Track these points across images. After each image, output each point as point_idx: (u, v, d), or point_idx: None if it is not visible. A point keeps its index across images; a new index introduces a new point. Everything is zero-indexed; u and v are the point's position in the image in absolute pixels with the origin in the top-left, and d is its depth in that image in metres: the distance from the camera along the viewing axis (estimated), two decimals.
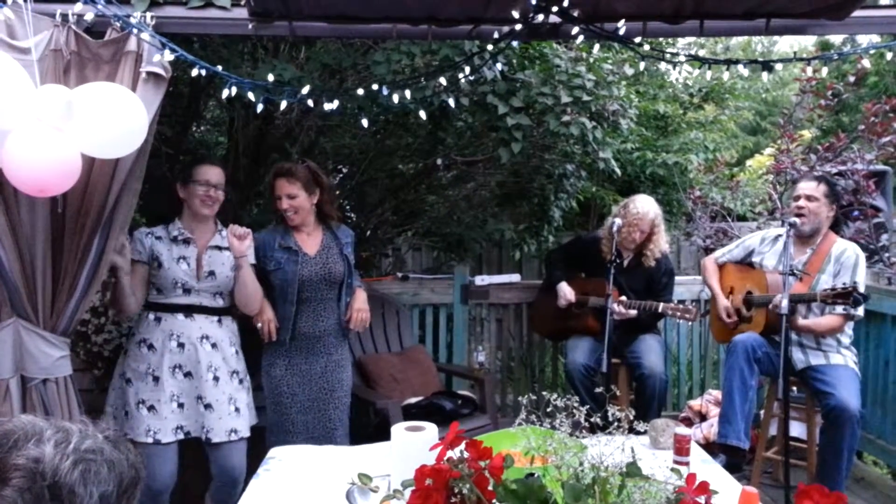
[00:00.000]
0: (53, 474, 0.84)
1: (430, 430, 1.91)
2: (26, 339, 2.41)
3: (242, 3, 2.58)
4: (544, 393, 1.55)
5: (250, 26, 2.63)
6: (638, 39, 2.77)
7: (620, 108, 4.28)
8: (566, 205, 5.33)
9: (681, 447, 1.99)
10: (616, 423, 1.49)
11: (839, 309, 3.09)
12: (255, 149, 4.55)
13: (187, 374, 2.71)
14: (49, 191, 2.21)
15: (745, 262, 3.51)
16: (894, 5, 3.78)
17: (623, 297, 3.53)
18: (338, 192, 4.72)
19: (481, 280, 4.54)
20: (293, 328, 2.92)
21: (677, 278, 3.99)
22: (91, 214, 2.42)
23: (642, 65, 3.59)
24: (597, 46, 3.45)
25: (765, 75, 2.93)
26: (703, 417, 4.13)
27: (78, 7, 2.37)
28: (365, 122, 3.04)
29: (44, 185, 2.16)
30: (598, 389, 3.40)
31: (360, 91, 2.78)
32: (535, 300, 4.32)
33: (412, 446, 1.83)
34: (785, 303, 2.90)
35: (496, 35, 2.79)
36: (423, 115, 3.09)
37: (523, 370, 4.71)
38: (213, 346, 2.76)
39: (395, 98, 2.76)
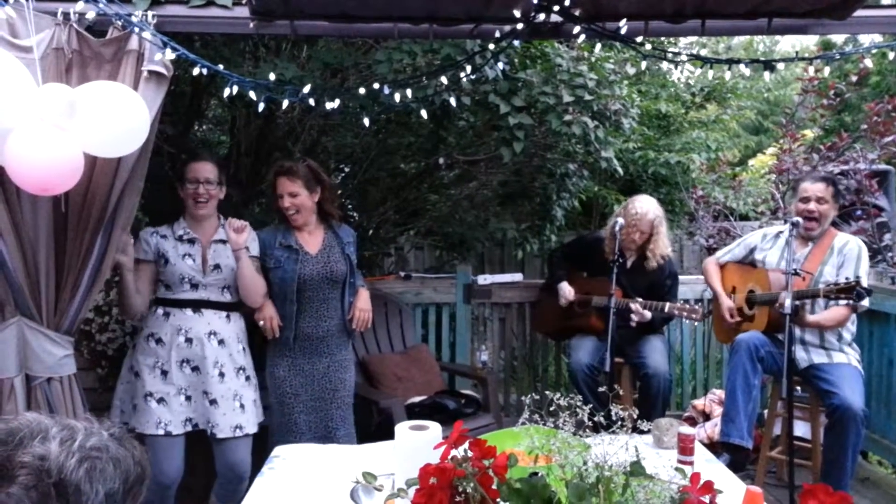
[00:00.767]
0: (59, 472, 0.84)
1: (434, 429, 1.91)
2: (30, 338, 2.41)
3: (244, 1, 2.58)
4: (547, 392, 1.54)
5: (252, 25, 2.63)
6: (640, 39, 2.76)
7: (622, 107, 4.27)
8: (568, 204, 5.33)
9: (684, 446, 1.99)
10: (619, 423, 1.49)
11: (843, 301, 3.09)
12: (257, 148, 4.55)
13: (194, 369, 2.74)
14: (52, 189, 2.21)
15: (748, 261, 3.50)
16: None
17: (640, 300, 3.53)
18: (340, 192, 4.72)
19: (484, 279, 4.54)
20: (295, 328, 2.92)
21: (680, 278, 3.98)
22: (94, 213, 2.42)
23: (644, 64, 3.58)
24: (598, 46, 3.44)
25: (767, 75, 2.92)
26: (706, 417, 4.12)
27: (79, 6, 2.36)
28: (367, 122, 3.04)
29: (46, 184, 2.16)
30: (602, 389, 3.40)
31: (362, 90, 2.77)
32: (538, 299, 4.31)
33: (416, 445, 1.83)
34: (788, 302, 2.89)
35: (498, 34, 2.79)
36: (424, 114, 3.09)
37: (526, 369, 4.71)
38: (220, 342, 2.78)
39: (397, 97, 2.75)
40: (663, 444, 2.25)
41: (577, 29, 2.70)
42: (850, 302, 3.02)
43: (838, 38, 12.19)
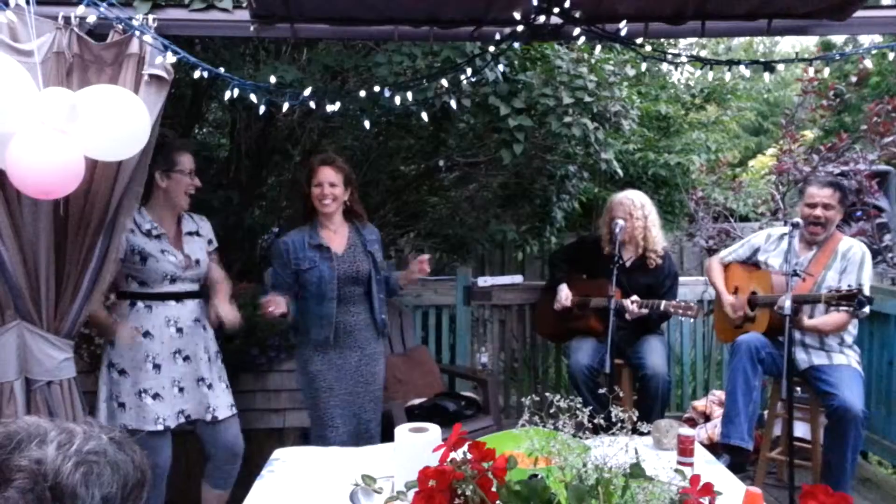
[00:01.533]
0: (55, 476, 0.84)
1: (434, 432, 1.91)
2: (30, 342, 2.41)
3: (244, 5, 2.59)
4: (547, 394, 1.54)
5: (252, 28, 2.64)
6: (639, 40, 2.77)
7: (622, 108, 4.28)
8: (568, 206, 5.34)
9: (684, 448, 1.99)
10: (619, 424, 1.49)
11: (844, 308, 3.09)
12: (257, 151, 4.56)
13: (186, 359, 2.75)
14: (52, 193, 2.21)
15: (751, 262, 3.50)
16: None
17: (635, 297, 3.53)
18: None
19: (484, 281, 4.54)
20: (335, 325, 2.94)
21: (680, 279, 3.98)
22: (94, 217, 2.43)
23: (644, 66, 3.58)
24: (598, 47, 3.44)
25: (767, 76, 2.93)
26: (706, 418, 4.12)
27: (80, 10, 2.37)
28: (367, 124, 3.05)
29: (47, 188, 2.16)
30: (602, 390, 3.39)
31: (362, 93, 2.78)
32: (538, 301, 4.31)
33: (416, 447, 1.83)
34: (787, 304, 2.89)
35: (498, 36, 2.79)
36: (424, 116, 3.09)
37: (526, 371, 4.71)
38: (204, 328, 2.83)
39: (397, 99, 2.76)
40: (663, 446, 2.25)
41: (577, 31, 2.71)
42: (851, 309, 3.02)
43: (838, 39, 12.20)
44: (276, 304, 2.79)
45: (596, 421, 1.51)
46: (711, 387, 4.53)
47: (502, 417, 3.86)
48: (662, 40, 3.64)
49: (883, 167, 4.48)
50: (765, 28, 2.81)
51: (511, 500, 1.39)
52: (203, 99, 4.64)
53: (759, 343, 3.21)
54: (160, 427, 2.65)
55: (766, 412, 3.55)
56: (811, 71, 4.64)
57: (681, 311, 3.44)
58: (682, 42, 6.91)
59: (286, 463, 2.20)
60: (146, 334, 2.68)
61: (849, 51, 3.23)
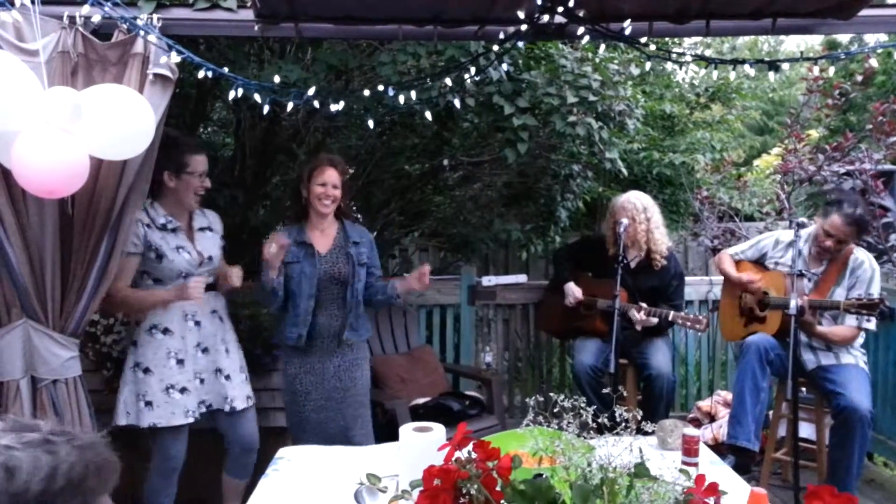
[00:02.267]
0: None
1: (438, 431, 1.91)
2: (36, 340, 2.42)
3: (248, 4, 2.59)
4: (552, 394, 1.54)
5: (256, 28, 2.64)
6: (644, 39, 2.77)
7: (626, 108, 4.26)
8: (573, 205, 5.32)
9: (689, 448, 1.99)
10: (624, 424, 1.49)
11: (852, 320, 3.09)
12: (262, 150, 4.56)
13: (205, 350, 2.80)
14: (57, 192, 2.22)
15: (759, 264, 3.49)
16: None
17: (643, 305, 3.52)
18: None
19: (488, 280, 4.53)
20: (310, 325, 2.93)
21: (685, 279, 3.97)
22: (99, 216, 2.43)
23: (648, 65, 3.56)
24: (602, 46, 3.44)
25: (771, 75, 2.92)
26: (711, 418, 4.11)
27: (85, 9, 2.38)
28: (371, 123, 3.05)
29: (52, 187, 2.17)
30: (606, 390, 3.39)
31: (366, 92, 2.78)
32: (543, 299, 4.31)
33: (420, 447, 1.83)
34: (793, 303, 2.88)
35: (502, 35, 2.79)
36: (428, 115, 3.09)
37: (530, 371, 4.70)
38: (220, 319, 2.88)
39: (401, 99, 2.76)
40: (668, 446, 2.24)
41: (581, 30, 2.70)
42: (859, 319, 3.04)
43: (843, 38, 12.14)
44: (278, 239, 2.81)
45: (600, 421, 1.51)
46: (716, 387, 4.52)
47: (506, 417, 3.86)
48: (667, 39, 3.64)
49: (888, 167, 4.46)
50: (769, 27, 2.80)
51: (515, 500, 1.39)
52: (207, 98, 4.65)
53: (769, 344, 3.20)
54: (190, 419, 2.71)
55: (770, 412, 3.54)
56: (816, 70, 4.62)
57: (689, 324, 3.44)
58: (687, 41, 6.88)
59: (291, 462, 2.20)
60: (165, 331, 2.72)
61: (854, 50, 3.22)
